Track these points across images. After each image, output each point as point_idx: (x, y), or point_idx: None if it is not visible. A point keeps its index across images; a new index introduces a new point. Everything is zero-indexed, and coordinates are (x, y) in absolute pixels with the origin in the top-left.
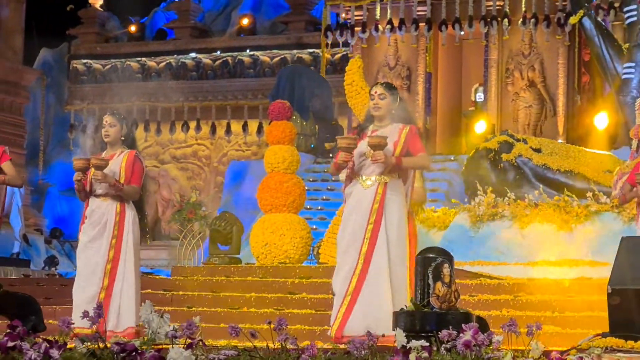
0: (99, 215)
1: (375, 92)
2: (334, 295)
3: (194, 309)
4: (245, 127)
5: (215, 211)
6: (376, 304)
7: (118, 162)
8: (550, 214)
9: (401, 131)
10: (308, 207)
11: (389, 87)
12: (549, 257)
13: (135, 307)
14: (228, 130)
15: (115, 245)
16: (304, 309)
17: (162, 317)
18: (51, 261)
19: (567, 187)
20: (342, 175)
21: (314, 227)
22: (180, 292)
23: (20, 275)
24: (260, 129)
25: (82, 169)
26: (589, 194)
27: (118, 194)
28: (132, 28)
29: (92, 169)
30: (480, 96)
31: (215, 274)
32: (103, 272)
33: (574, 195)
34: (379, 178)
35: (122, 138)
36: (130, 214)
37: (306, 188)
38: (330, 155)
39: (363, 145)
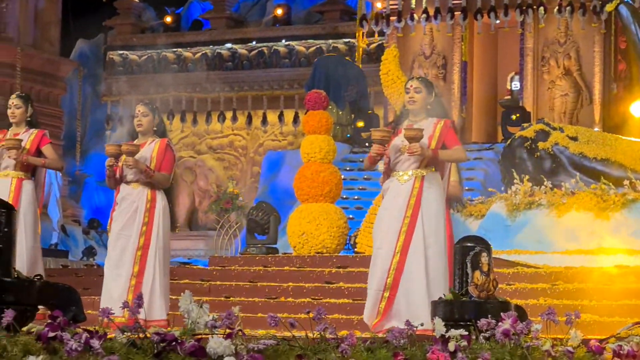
0: (130, 202)
1: (411, 86)
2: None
3: (231, 299)
4: (281, 117)
5: (252, 201)
6: (415, 298)
7: (149, 150)
8: (587, 202)
9: (436, 125)
10: (345, 196)
11: (425, 81)
12: (586, 246)
13: (165, 298)
14: (264, 121)
15: (146, 233)
16: (341, 298)
17: (201, 307)
18: (89, 252)
19: (604, 175)
20: (381, 166)
21: (351, 216)
22: (218, 282)
23: (58, 266)
24: (296, 119)
25: (114, 155)
26: (626, 182)
27: (149, 180)
28: (168, 19)
29: (124, 155)
30: (516, 85)
31: (253, 264)
32: (133, 259)
33: (610, 184)
34: (416, 172)
35: (155, 128)
36: (161, 202)
37: (343, 177)
38: (367, 144)
39: (398, 141)
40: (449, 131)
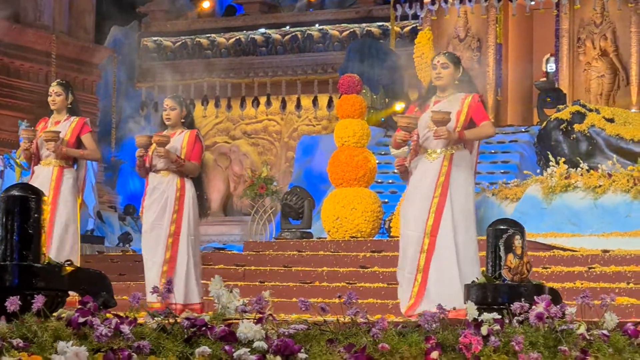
0: (161, 192)
1: (438, 62)
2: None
3: (266, 283)
4: (315, 101)
5: (286, 186)
6: (447, 279)
7: (179, 140)
8: (624, 184)
9: (464, 101)
10: (379, 180)
11: (452, 56)
12: (623, 228)
13: (199, 283)
14: (298, 105)
15: (177, 220)
16: (375, 282)
17: (231, 291)
18: (125, 238)
19: None
20: (395, 151)
21: (385, 200)
22: (253, 267)
23: (94, 252)
24: (330, 103)
25: (145, 145)
26: None
27: (179, 169)
28: (202, 5)
29: (154, 145)
30: (551, 66)
31: (287, 248)
32: (165, 246)
33: None
34: (444, 150)
35: (182, 120)
36: (191, 190)
37: (377, 162)
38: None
39: (426, 117)
40: (477, 106)
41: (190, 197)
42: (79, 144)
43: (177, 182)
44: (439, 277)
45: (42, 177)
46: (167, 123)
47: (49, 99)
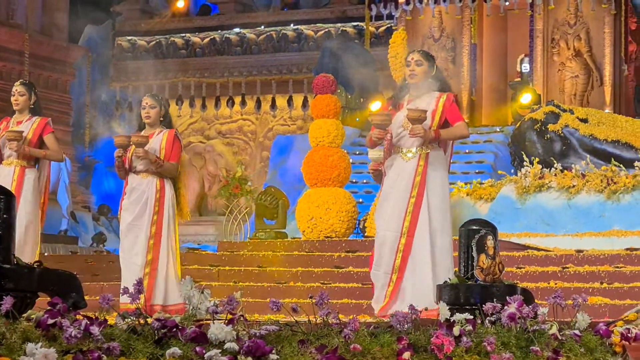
0: (140, 193)
1: (412, 59)
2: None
3: (240, 284)
4: (290, 101)
5: (261, 186)
6: (421, 280)
7: (158, 140)
8: (598, 184)
9: (438, 99)
10: (354, 180)
11: (426, 54)
12: (596, 228)
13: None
14: (273, 105)
15: (157, 222)
16: (350, 282)
17: (202, 292)
18: (99, 238)
19: (615, 157)
20: (372, 154)
21: (360, 200)
22: (227, 268)
23: (68, 252)
24: (305, 103)
25: (123, 146)
26: (637, 164)
27: (158, 170)
28: (176, 4)
29: (133, 146)
30: (525, 67)
31: (262, 248)
32: (146, 248)
33: (621, 165)
34: (420, 150)
35: (161, 119)
36: (170, 191)
37: (352, 162)
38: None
39: (401, 116)
40: (452, 106)
41: (170, 198)
42: (41, 144)
43: (157, 183)
44: (413, 277)
45: (4, 176)
46: (146, 122)
47: (12, 98)
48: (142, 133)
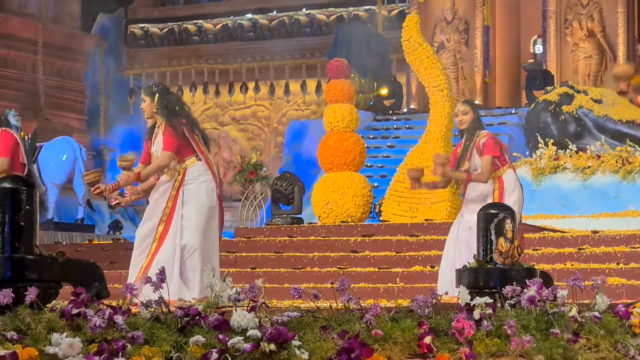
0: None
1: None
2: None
3: (257, 269)
4: (303, 86)
5: (276, 171)
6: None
7: (159, 143)
8: (613, 164)
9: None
10: (369, 164)
11: (470, 103)
12: (612, 209)
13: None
14: (287, 90)
15: (166, 221)
16: (367, 267)
17: (224, 280)
18: (115, 226)
19: (630, 137)
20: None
21: (375, 184)
22: (244, 254)
23: (85, 240)
24: (318, 88)
25: (94, 183)
26: None
27: (144, 180)
28: None
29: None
30: (539, 48)
31: (278, 234)
32: (150, 245)
33: (636, 146)
34: None
35: (155, 110)
36: (195, 187)
37: (366, 146)
38: (390, 112)
39: None
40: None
41: (192, 193)
42: None
43: (177, 180)
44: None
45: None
46: (145, 116)
47: None
48: (149, 124)
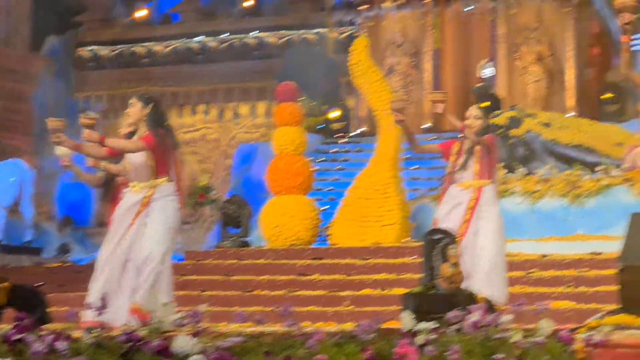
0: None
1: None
2: None
3: (206, 293)
4: (253, 109)
5: (225, 194)
6: None
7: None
8: (562, 188)
9: None
10: (318, 187)
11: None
12: (561, 233)
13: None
14: (236, 113)
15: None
16: (315, 290)
17: (168, 305)
18: (63, 249)
19: (578, 161)
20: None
21: (325, 207)
22: (193, 277)
23: (32, 263)
24: (268, 111)
25: (56, 130)
26: (600, 168)
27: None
28: (138, 13)
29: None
30: (489, 72)
31: (227, 257)
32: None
33: (585, 169)
34: None
35: (143, 117)
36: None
37: (316, 169)
38: (338, 135)
39: None
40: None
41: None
42: None
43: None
44: None
45: None
46: (127, 121)
47: None
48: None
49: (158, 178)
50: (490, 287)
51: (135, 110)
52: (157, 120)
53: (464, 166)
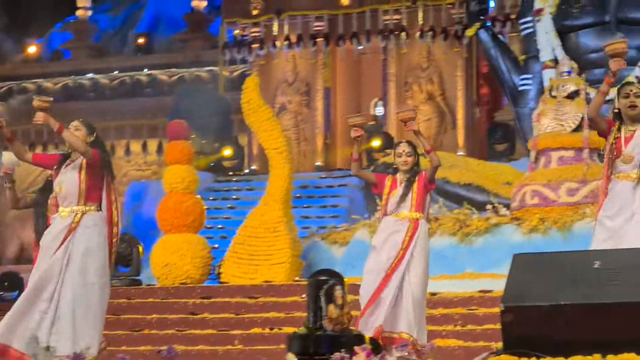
0: None
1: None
2: None
3: None
4: (144, 146)
5: None
6: None
7: (72, 174)
8: (451, 227)
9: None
10: (209, 226)
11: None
12: (450, 271)
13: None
14: (127, 150)
15: None
16: (205, 329)
17: (48, 349)
18: None
19: (467, 199)
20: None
21: (216, 245)
22: None
23: None
24: (160, 149)
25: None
26: (489, 207)
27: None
28: (28, 49)
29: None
30: (379, 110)
31: (116, 296)
32: None
33: (473, 208)
34: None
35: (86, 142)
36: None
37: (207, 207)
38: (230, 173)
39: None
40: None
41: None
42: None
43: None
44: None
45: None
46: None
47: None
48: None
49: (87, 204)
50: (416, 326)
51: (81, 134)
52: (100, 147)
53: (403, 198)
